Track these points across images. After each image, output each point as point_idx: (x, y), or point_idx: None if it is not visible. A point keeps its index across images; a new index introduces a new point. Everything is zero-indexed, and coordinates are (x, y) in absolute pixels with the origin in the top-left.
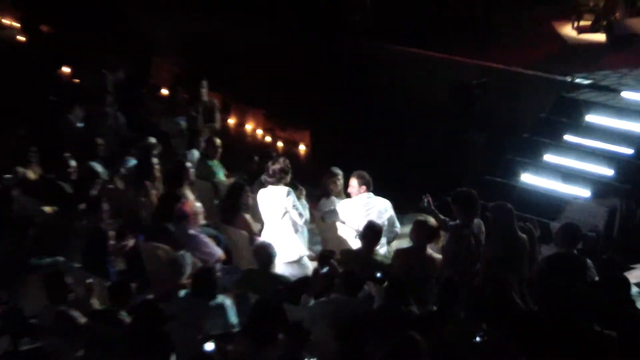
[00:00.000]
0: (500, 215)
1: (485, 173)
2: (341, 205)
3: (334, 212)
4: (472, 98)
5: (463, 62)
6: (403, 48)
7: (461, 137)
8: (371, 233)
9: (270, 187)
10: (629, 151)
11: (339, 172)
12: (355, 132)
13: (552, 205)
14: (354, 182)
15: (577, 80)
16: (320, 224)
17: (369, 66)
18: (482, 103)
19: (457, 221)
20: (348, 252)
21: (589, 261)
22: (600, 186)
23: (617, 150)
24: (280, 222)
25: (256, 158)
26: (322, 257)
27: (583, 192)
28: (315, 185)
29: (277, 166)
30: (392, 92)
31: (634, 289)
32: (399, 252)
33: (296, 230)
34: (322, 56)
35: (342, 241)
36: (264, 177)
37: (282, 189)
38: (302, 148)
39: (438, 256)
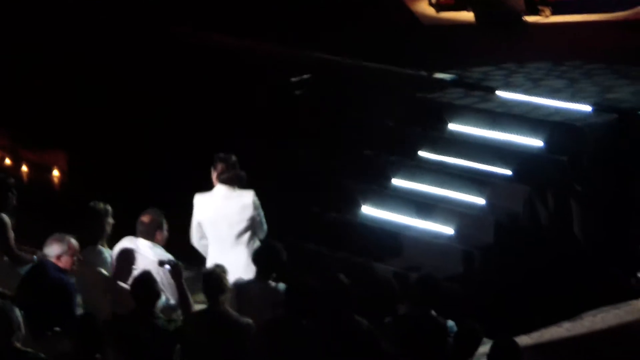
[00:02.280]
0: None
1: (312, 204)
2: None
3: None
4: (292, 102)
5: (281, 54)
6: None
7: (281, 155)
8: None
9: (222, 188)
10: (506, 171)
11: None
12: (135, 152)
13: (404, 249)
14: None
15: (437, 76)
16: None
17: (157, 62)
18: (307, 109)
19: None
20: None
21: (450, 323)
22: (468, 219)
23: (491, 170)
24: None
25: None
26: None
27: (445, 229)
28: (75, 225)
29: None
30: (195, 96)
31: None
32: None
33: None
34: (88, 52)
35: None
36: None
37: (248, 192)
38: (55, 174)
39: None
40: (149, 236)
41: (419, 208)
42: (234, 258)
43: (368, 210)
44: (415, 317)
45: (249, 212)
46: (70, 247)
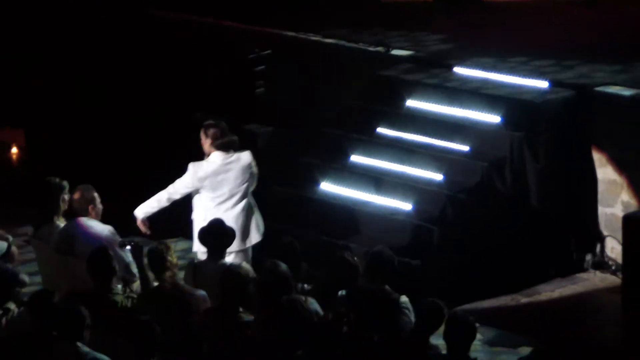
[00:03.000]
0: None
1: (272, 181)
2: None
3: None
4: (250, 77)
5: (237, 29)
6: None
7: (240, 131)
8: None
9: (219, 154)
10: (464, 147)
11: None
12: (88, 130)
13: (362, 225)
14: None
15: (395, 52)
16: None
17: (114, 37)
18: (266, 85)
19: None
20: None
21: (403, 298)
22: (426, 195)
23: (448, 147)
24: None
25: None
26: None
27: (403, 205)
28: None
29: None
30: (151, 74)
31: None
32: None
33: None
34: (41, 24)
35: None
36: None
37: (245, 153)
38: (14, 151)
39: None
40: (83, 212)
41: (377, 184)
42: (233, 214)
43: (327, 186)
44: (367, 291)
45: (248, 171)
46: None
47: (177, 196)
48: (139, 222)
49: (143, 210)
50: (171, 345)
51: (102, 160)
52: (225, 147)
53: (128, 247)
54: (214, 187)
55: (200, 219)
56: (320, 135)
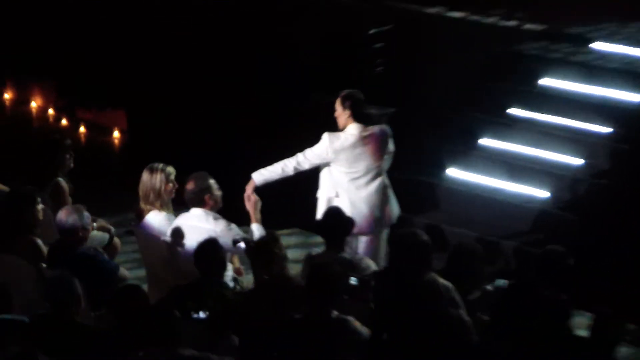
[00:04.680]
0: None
1: (392, 166)
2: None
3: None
4: (369, 55)
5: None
6: None
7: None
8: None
9: (357, 127)
10: (605, 129)
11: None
12: (191, 113)
13: (493, 214)
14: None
15: (527, 27)
16: None
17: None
18: (386, 64)
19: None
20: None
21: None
22: (564, 182)
23: (588, 128)
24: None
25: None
26: None
27: (539, 192)
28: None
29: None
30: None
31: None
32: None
33: None
34: None
35: None
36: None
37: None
38: (115, 135)
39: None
40: (199, 203)
41: (509, 169)
42: (367, 192)
43: (453, 172)
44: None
45: (386, 145)
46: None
47: (306, 166)
48: (248, 192)
49: (263, 176)
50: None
51: (204, 146)
52: (365, 119)
53: (242, 245)
54: (350, 161)
55: (328, 196)
56: (445, 117)
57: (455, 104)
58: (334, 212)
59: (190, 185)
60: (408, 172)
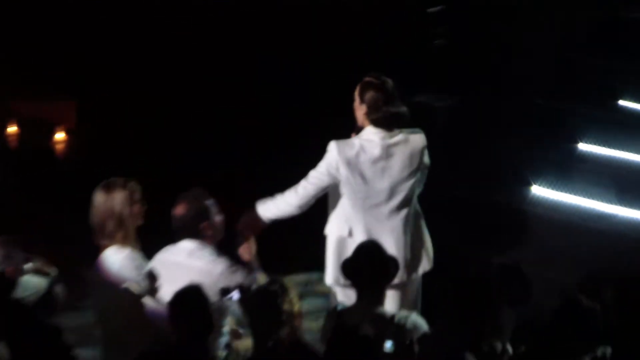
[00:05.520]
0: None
1: (453, 181)
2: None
3: None
4: (428, 36)
5: None
6: None
7: (409, 104)
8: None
9: (376, 132)
10: None
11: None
12: (183, 112)
13: (600, 249)
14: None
15: None
16: None
17: None
18: (447, 45)
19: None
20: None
21: None
22: None
23: None
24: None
25: None
26: None
27: None
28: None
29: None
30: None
31: None
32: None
33: None
34: None
35: None
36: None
37: (416, 134)
38: (59, 136)
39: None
40: (192, 234)
41: (621, 187)
42: (393, 225)
43: (540, 190)
44: None
45: (417, 161)
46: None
47: (312, 191)
48: (247, 238)
49: (270, 212)
50: None
51: (196, 149)
52: (389, 121)
53: (234, 295)
54: (368, 179)
55: (338, 232)
56: (530, 110)
57: (542, 92)
58: (369, 249)
59: (180, 210)
60: (474, 189)
